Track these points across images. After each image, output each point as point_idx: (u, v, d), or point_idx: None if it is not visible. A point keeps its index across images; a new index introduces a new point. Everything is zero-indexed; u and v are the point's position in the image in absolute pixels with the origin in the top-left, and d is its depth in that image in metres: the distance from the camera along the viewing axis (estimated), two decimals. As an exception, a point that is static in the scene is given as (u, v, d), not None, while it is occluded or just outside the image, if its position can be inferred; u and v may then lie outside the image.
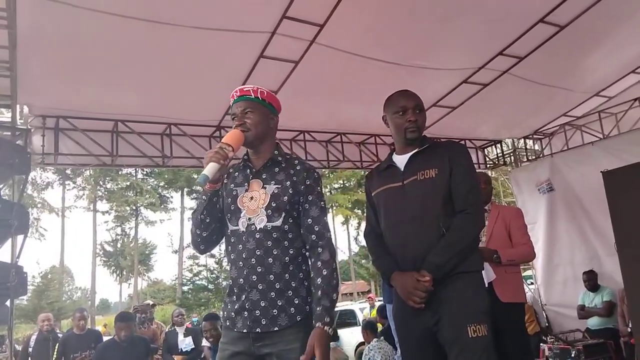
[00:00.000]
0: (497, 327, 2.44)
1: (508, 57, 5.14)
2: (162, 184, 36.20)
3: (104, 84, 4.56)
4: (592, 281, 6.43)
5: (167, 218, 38.20)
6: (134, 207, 36.28)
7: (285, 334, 2.06)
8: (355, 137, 6.61)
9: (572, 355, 5.40)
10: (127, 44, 4.06)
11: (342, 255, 46.83)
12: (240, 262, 2.11)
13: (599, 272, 6.47)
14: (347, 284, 45.47)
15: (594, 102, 6.68)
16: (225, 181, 2.27)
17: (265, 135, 2.22)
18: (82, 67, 4.23)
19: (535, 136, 7.69)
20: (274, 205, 2.12)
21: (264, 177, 2.19)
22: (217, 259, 26.37)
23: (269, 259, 2.08)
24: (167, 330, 7.65)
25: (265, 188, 2.16)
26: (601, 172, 5.19)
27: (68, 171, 32.06)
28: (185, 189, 34.69)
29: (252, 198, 2.16)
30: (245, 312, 2.08)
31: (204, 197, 2.18)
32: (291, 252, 2.12)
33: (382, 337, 6.01)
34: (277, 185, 2.15)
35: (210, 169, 2.02)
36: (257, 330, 2.06)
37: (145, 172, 35.05)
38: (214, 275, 27.32)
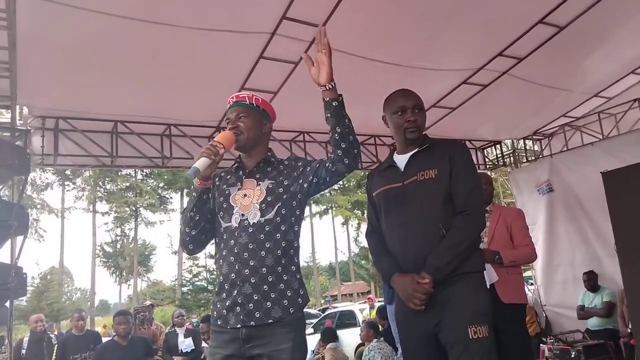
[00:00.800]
0: (498, 328, 2.44)
1: (508, 57, 5.14)
2: (161, 184, 36.22)
3: (103, 85, 4.55)
4: (591, 281, 6.43)
5: (166, 219, 38.20)
6: (134, 208, 36.28)
7: (277, 333, 2.08)
8: (355, 137, 6.61)
9: (572, 356, 5.39)
10: (127, 45, 4.06)
11: (341, 256, 46.89)
12: (232, 257, 2.14)
13: (598, 273, 6.47)
14: (347, 285, 45.51)
15: (593, 102, 6.68)
16: (217, 183, 2.34)
17: (257, 140, 2.30)
18: (81, 68, 4.22)
19: (534, 137, 7.69)
20: (269, 199, 2.18)
21: (257, 176, 2.27)
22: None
23: (262, 252, 2.12)
24: (167, 331, 7.64)
25: (259, 185, 2.23)
26: (601, 172, 5.18)
27: (67, 172, 32.09)
28: (185, 190, 34.65)
29: (245, 195, 2.22)
30: (238, 307, 2.10)
31: (194, 194, 2.22)
32: (283, 244, 2.17)
33: (381, 338, 6.01)
34: (271, 181, 2.23)
35: (201, 163, 2.08)
36: (251, 324, 2.07)
37: (144, 173, 35.08)
38: (213, 277, 27.31)
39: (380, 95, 2.57)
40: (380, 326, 6.90)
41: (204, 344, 6.73)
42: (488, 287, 2.60)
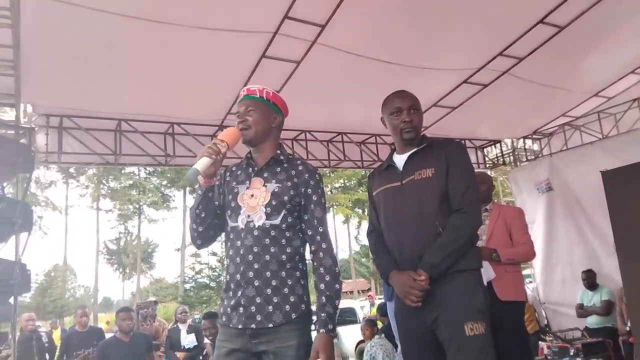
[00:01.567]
0: (495, 325, 2.47)
1: (508, 57, 5.16)
2: (164, 182, 36.21)
3: (107, 83, 4.58)
4: (590, 280, 6.45)
5: (169, 217, 38.21)
6: (137, 206, 36.28)
7: (281, 331, 2.09)
8: (356, 136, 6.65)
9: (571, 353, 5.41)
10: (130, 44, 4.08)
11: (342, 254, 46.80)
12: (238, 259, 2.14)
13: (597, 272, 6.49)
14: (348, 282, 45.42)
15: (593, 102, 6.68)
16: (227, 179, 2.31)
17: (266, 134, 2.25)
18: (85, 67, 4.25)
19: (534, 136, 7.71)
20: (274, 203, 2.15)
21: (265, 175, 2.23)
22: (219, 257, 26.39)
23: (266, 256, 2.11)
24: (170, 327, 7.69)
25: (266, 186, 2.19)
26: (600, 172, 5.20)
27: (71, 170, 32.11)
28: (188, 188, 34.70)
29: (252, 195, 2.20)
30: (241, 308, 2.11)
31: (199, 191, 2.22)
32: (288, 250, 2.16)
33: (382, 334, 6.05)
34: (277, 184, 2.19)
35: (201, 163, 2.07)
36: (252, 327, 2.08)
37: (148, 171, 35.08)
38: (215, 273, 27.32)
39: (381, 94, 2.60)
40: (380, 323, 6.93)
41: (206, 340, 6.77)
42: (485, 284, 2.63)
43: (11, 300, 4.14)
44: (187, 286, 31.45)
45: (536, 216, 7.30)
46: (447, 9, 4.30)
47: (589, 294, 6.48)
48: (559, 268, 7.22)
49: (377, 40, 4.54)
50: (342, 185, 40.38)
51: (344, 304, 17.61)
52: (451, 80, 5.53)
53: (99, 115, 5.10)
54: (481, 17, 4.47)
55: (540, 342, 6.02)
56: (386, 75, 4.83)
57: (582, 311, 6.48)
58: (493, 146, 7.99)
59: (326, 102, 5.50)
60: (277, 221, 2.14)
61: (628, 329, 5.64)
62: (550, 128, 7.42)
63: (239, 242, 2.15)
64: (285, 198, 2.16)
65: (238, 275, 2.13)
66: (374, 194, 2.59)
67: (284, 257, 2.14)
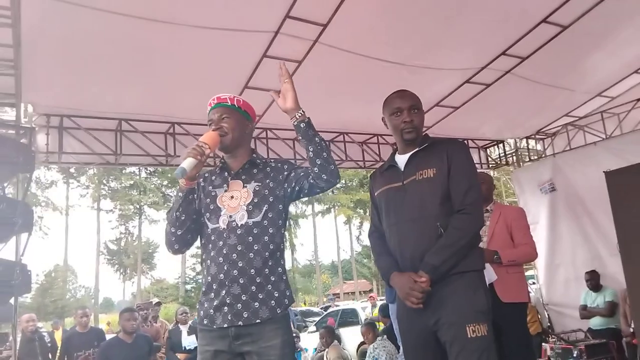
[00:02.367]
0: (498, 327, 2.45)
1: (511, 57, 5.14)
2: (165, 183, 36.25)
3: (107, 83, 4.58)
4: (594, 281, 6.42)
5: (170, 217, 38.14)
6: (138, 206, 36.32)
7: (266, 330, 2.13)
8: (358, 136, 6.63)
9: (574, 355, 5.39)
10: (131, 43, 4.07)
11: (344, 255, 46.89)
12: (221, 258, 2.18)
13: (601, 273, 6.46)
14: (349, 283, 45.52)
15: (596, 102, 6.66)
16: (202, 184, 2.37)
17: (241, 140, 2.34)
18: (86, 66, 4.24)
19: (537, 136, 7.68)
20: (255, 201, 2.22)
21: (243, 177, 2.30)
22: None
23: (250, 254, 2.16)
24: (170, 328, 7.67)
25: (246, 187, 2.27)
26: (604, 172, 5.18)
27: (72, 170, 32.14)
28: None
29: (232, 197, 2.26)
30: (226, 307, 2.14)
31: (180, 194, 2.25)
32: (271, 247, 2.21)
33: (384, 336, 6.03)
34: (258, 183, 2.27)
35: (187, 162, 2.11)
36: (239, 324, 2.11)
37: (148, 171, 35.13)
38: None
39: (383, 94, 2.58)
40: (382, 324, 6.91)
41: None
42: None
43: (12, 300, 4.13)
44: (188, 287, 31.52)
45: (539, 217, 7.28)
46: (450, 8, 4.29)
47: (592, 295, 6.45)
48: (562, 269, 7.20)
49: (379, 39, 4.52)
50: (344, 185, 40.40)
51: (345, 305, 17.62)
52: (454, 80, 5.51)
53: (100, 115, 5.09)
54: (484, 17, 4.45)
55: (543, 344, 5.99)
56: (388, 74, 4.82)
57: (586, 312, 6.45)
58: (496, 146, 7.97)
59: (328, 101, 5.47)
60: (258, 218, 2.21)
61: (632, 330, 5.62)
62: (553, 128, 7.40)
63: (221, 242, 2.20)
64: (267, 192, 2.24)
65: (222, 275, 2.16)
66: (375, 194, 2.58)
67: (267, 253, 2.19)
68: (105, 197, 35.93)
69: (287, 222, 2.37)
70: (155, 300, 9.56)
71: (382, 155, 6.65)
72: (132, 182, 35.53)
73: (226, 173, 2.34)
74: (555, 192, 7.21)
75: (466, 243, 2.29)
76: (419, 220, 2.33)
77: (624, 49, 5.44)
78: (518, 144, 7.97)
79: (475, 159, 7.29)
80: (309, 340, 11.53)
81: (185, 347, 6.98)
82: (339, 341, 8.13)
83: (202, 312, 2.23)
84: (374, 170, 2.84)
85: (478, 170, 2.79)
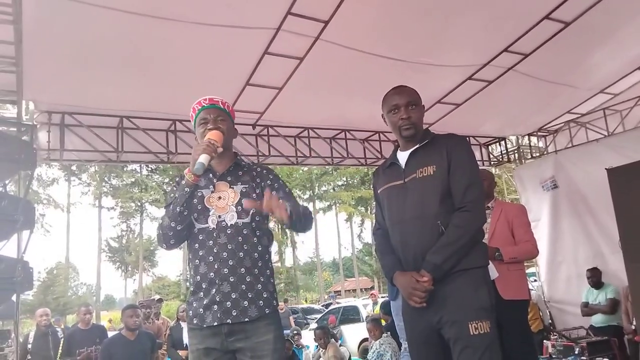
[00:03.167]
0: (499, 324, 2.45)
1: (513, 53, 5.12)
2: (166, 180, 36.29)
3: (109, 80, 4.57)
4: (595, 278, 6.42)
5: (171, 214, 38.20)
6: (139, 204, 36.41)
7: (258, 326, 2.18)
8: (359, 134, 6.61)
9: (576, 352, 5.40)
10: (132, 40, 4.07)
11: (345, 252, 46.94)
12: (211, 257, 2.21)
13: (603, 270, 6.45)
14: (350, 281, 45.58)
15: (598, 99, 6.65)
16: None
17: (230, 143, 2.42)
18: (87, 63, 4.23)
19: (539, 133, 7.67)
20: (243, 201, 2.25)
21: (229, 179, 2.35)
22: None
23: (240, 253, 2.20)
24: (171, 325, 7.68)
25: (233, 188, 2.31)
26: (606, 169, 5.17)
27: (73, 167, 32.21)
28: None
29: (220, 198, 2.30)
30: (216, 306, 2.17)
31: (186, 189, 2.27)
32: (259, 248, 2.27)
33: (389, 333, 6.05)
34: (244, 185, 2.32)
35: (204, 158, 2.15)
36: (227, 322, 2.15)
37: (150, 169, 35.17)
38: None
39: (385, 91, 2.57)
40: (384, 321, 6.92)
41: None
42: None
43: (14, 298, 4.14)
44: (189, 284, 31.54)
45: (541, 214, 7.27)
46: (452, 4, 4.27)
47: (594, 292, 6.45)
48: (564, 266, 7.19)
49: (381, 36, 4.51)
50: (345, 182, 40.38)
51: (347, 302, 17.66)
52: (456, 77, 5.49)
53: (101, 112, 5.08)
54: (486, 13, 4.44)
55: (544, 341, 5.99)
56: (390, 71, 4.81)
57: (587, 309, 6.45)
58: (498, 143, 7.95)
59: (329, 99, 5.47)
60: (247, 219, 2.25)
61: (633, 327, 5.63)
62: (556, 125, 7.38)
63: (211, 242, 2.23)
64: (254, 195, 2.28)
65: (212, 274, 2.20)
66: (378, 191, 2.57)
67: (256, 254, 2.25)
68: (106, 194, 36.01)
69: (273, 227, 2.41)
70: (156, 296, 9.56)
71: (384, 152, 6.64)
72: (133, 179, 35.59)
73: (211, 174, 2.37)
74: (557, 189, 7.19)
75: (467, 241, 2.28)
76: (420, 218, 2.32)
77: (627, 45, 5.42)
78: (520, 141, 7.94)
79: (477, 156, 7.28)
80: (310, 337, 11.54)
81: (186, 344, 6.97)
82: (336, 339, 8.14)
83: (191, 311, 2.26)
84: (377, 167, 2.82)
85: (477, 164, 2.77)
